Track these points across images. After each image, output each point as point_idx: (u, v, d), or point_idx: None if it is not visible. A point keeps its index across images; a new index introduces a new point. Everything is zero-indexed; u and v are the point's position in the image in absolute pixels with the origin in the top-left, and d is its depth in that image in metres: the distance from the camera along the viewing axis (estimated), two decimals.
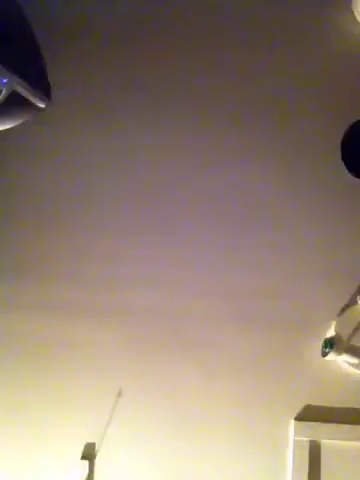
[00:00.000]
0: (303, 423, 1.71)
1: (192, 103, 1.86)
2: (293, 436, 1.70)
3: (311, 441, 1.70)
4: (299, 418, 1.72)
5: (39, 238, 1.83)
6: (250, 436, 1.73)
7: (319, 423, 1.70)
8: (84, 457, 1.73)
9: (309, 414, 1.72)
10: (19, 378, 1.78)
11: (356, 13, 1.81)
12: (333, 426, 1.70)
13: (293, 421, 1.71)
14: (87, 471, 1.72)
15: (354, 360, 1.71)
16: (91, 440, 1.75)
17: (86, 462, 1.72)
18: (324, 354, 1.71)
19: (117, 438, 1.74)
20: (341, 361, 1.72)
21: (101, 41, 1.88)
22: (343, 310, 1.76)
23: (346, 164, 1.76)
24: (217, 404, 1.75)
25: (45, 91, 1.61)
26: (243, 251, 1.80)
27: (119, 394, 1.75)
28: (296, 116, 1.83)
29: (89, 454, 1.74)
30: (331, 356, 1.69)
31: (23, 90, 1.52)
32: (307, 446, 1.69)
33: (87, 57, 1.87)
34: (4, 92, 1.48)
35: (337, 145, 1.77)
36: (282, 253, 1.79)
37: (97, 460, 1.74)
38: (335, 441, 1.69)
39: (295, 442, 1.70)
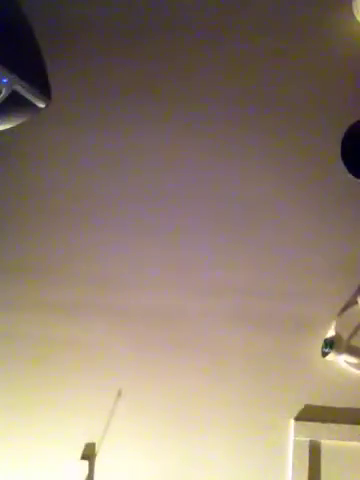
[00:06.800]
0: (303, 423, 1.71)
1: (193, 103, 1.86)
2: (293, 436, 1.70)
3: (311, 441, 1.70)
4: (299, 418, 1.72)
5: (39, 238, 1.83)
6: (250, 436, 1.73)
7: (319, 423, 1.70)
8: (84, 457, 1.73)
9: (309, 414, 1.72)
10: (19, 378, 1.78)
11: (356, 13, 1.81)
12: (333, 426, 1.69)
13: (293, 421, 1.72)
14: (87, 471, 1.72)
15: (354, 360, 1.71)
16: (91, 440, 1.75)
17: (86, 462, 1.72)
18: (324, 354, 1.71)
19: (117, 438, 1.74)
20: (341, 361, 1.72)
21: (101, 41, 1.88)
22: (343, 310, 1.76)
23: (346, 164, 1.76)
24: (217, 404, 1.75)
25: (45, 91, 1.61)
26: (243, 251, 1.80)
27: (119, 394, 1.76)
28: (296, 116, 1.83)
29: (89, 454, 1.74)
30: (331, 356, 1.69)
31: (23, 90, 1.52)
32: (307, 446, 1.69)
33: (87, 57, 1.88)
34: (4, 92, 1.48)
35: (337, 145, 1.77)
36: (282, 253, 1.79)
37: (97, 460, 1.74)
38: (335, 441, 1.69)
39: (295, 442, 1.70)
